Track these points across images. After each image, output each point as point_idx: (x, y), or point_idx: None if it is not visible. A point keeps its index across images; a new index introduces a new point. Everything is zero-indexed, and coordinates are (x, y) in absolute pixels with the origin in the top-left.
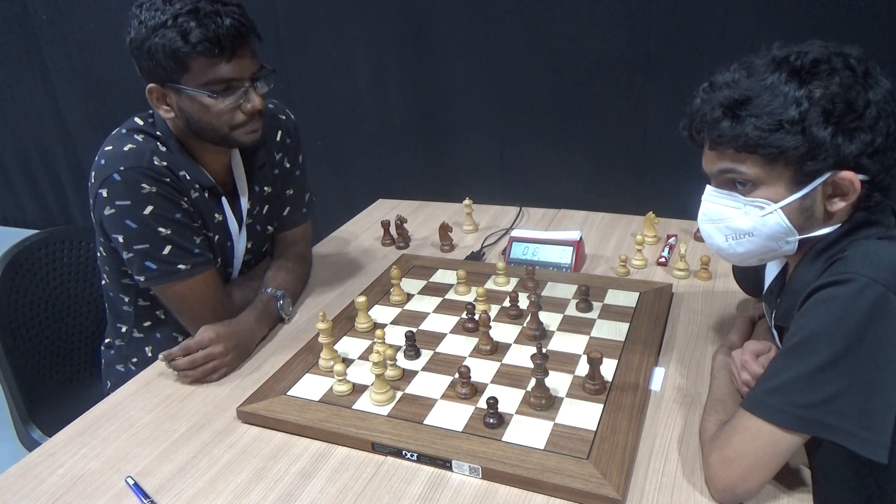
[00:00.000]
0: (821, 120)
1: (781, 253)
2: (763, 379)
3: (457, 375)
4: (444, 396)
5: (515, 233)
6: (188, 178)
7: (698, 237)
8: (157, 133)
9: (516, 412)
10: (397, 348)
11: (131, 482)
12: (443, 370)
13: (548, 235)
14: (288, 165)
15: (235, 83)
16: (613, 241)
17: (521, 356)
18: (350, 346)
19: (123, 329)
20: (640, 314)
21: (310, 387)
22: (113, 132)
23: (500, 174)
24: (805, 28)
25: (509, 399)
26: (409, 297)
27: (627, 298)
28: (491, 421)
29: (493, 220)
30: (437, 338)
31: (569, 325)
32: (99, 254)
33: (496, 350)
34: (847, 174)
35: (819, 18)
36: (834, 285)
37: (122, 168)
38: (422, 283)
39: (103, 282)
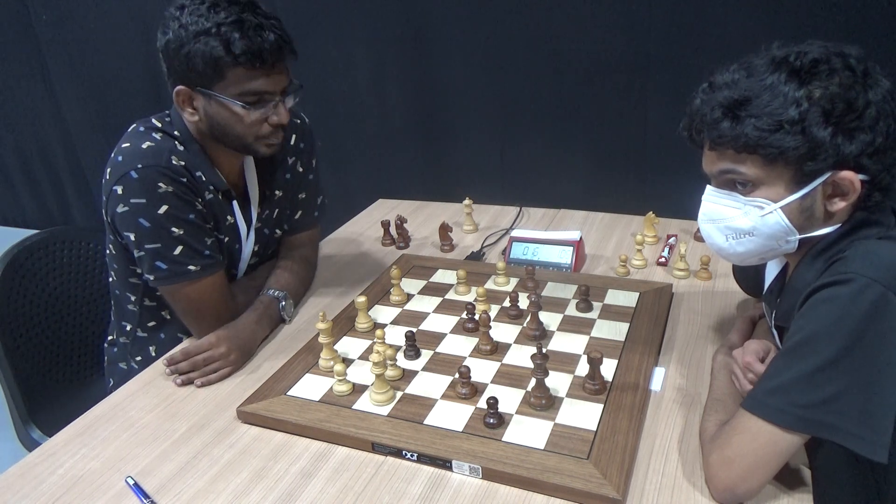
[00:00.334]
0: (821, 120)
1: (781, 252)
2: (763, 379)
3: (457, 375)
4: (444, 396)
5: (515, 233)
6: (203, 179)
7: (698, 237)
8: (175, 133)
9: (516, 412)
10: (397, 348)
11: (131, 482)
12: (443, 370)
13: (548, 235)
14: (301, 169)
15: (267, 96)
16: (613, 241)
17: (521, 356)
18: (350, 346)
19: (128, 328)
20: (640, 314)
21: (310, 387)
22: (129, 129)
23: (500, 174)
24: (805, 28)
25: (509, 399)
26: (409, 297)
27: (627, 298)
28: (491, 421)
29: (493, 220)
30: (437, 338)
31: (569, 325)
32: (108, 251)
33: (496, 350)
34: (847, 174)
35: (819, 18)
36: (834, 285)
37: (140, 166)
38: (422, 283)
39: (110, 279)
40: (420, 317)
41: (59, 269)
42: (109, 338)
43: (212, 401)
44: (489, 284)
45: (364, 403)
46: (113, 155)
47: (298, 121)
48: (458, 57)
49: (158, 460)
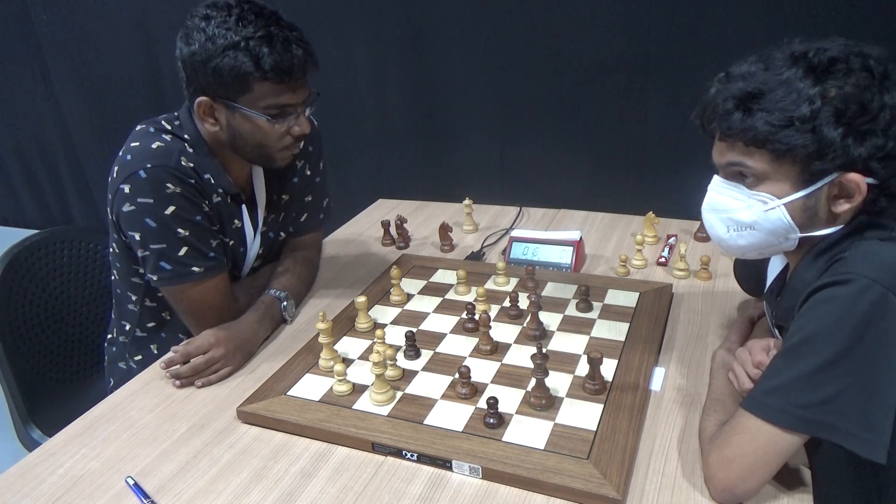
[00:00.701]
0: (832, 120)
1: (781, 249)
2: (763, 379)
3: (457, 375)
4: (444, 396)
5: (515, 233)
6: (212, 181)
7: (698, 237)
8: (185, 136)
9: (516, 412)
10: (397, 348)
11: (131, 482)
12: (443, 370)
13: (548, 235)
14: (309, 172)
15: (290, 109)
16: (613, 241)
17: (521, 356)
18: (350, 346)
19: (127, 327)
20: (640, 314)
21: (310, 387)
22: (137, 129)
23: (500, 174)
24: (806, 28)
25: (509, 399)
26: (409, 297)
27: (627, 298)
28: (491, 421)
29: (493, 220)
30: (437, 338)
31: (569, 325)
32: (111, 250)
33: (496, 350)
34: (854, 176)
35: (819, 18)
36: (834, 285)
37: (149, 165)
38: (422, 283)
39: (113, 278)
40: (420, 317)
41: (59, 269)
42: (109, 336)
43: (212, 401)
44: (489, 284)
45: (364, 403)
46: (121, 154)
47: None
48: (458, 57)
49: (158, 460)
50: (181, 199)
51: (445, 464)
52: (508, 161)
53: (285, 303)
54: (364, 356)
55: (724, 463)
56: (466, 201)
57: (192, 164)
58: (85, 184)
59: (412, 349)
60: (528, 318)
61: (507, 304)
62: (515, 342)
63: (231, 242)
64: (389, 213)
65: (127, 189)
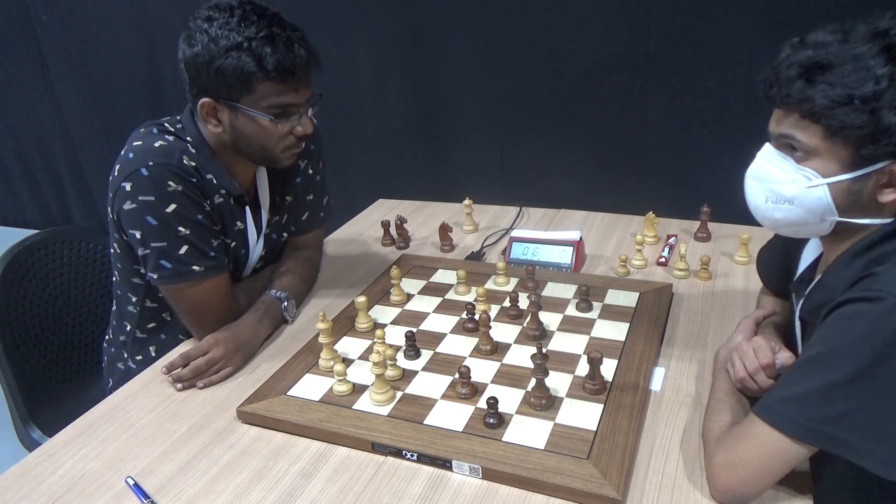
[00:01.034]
0: (893, 104)
1: (816, 232)
2: (778, 387)
3: (457, 375)
4: (444, 396)
5: (515, 233)
6: (214, 182)
7: (698, 237)
8: (188, 138)
9: (516, 412)
10: (397, 348)
11: (131, 482)
12: (443, 370)
13: (548, 235)
14: (311, 172)
15: (293, 109)
16: (613, 241)
17: (521, 356)
18: (350, 346)
19: (127, 327)
20: (640, 314)
21: (310, 387)
22: (140, 129)
23: (500, 174)
24: (806, 28)
25: (509, 399)
26: (409, 297)
27: (627, 298)
28: (491, 421)
29: (493, 220)
30: (437, 338)
31: (569, 325)
32: (112, 250)
33: (496, 350)
34: None
35: (820, 19)
36: (863, 301)
37: (151, 163)
38: (422, 283)
39: (114, 278)
40: (420, 317)
41: (59, 269)
42: (108, 337)
43: (212, 401)
44: (489, 284)
45: (364, 403)
46: (123, 152)
47: None
48: (458, 57)
49: (158, 460)
50: (182, 197)
51: (445, 464)
52: (508, 161)
53: (286, 303)
54: (364, 356)
55: (729, 465)
56: (466, 201)
57: (194, 164)
58: (85, 184)
59: (412, 349)
60: (528, 318)
61: (507, 304)
62: (515, 342)
63: (233, 244)
64: (389, 213)
65: (128, 187)
